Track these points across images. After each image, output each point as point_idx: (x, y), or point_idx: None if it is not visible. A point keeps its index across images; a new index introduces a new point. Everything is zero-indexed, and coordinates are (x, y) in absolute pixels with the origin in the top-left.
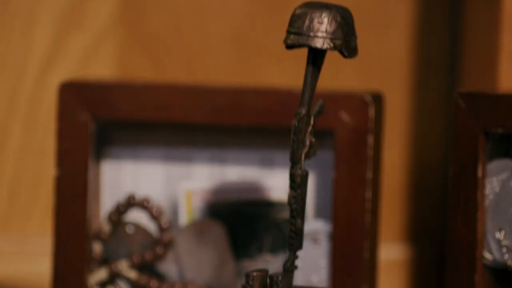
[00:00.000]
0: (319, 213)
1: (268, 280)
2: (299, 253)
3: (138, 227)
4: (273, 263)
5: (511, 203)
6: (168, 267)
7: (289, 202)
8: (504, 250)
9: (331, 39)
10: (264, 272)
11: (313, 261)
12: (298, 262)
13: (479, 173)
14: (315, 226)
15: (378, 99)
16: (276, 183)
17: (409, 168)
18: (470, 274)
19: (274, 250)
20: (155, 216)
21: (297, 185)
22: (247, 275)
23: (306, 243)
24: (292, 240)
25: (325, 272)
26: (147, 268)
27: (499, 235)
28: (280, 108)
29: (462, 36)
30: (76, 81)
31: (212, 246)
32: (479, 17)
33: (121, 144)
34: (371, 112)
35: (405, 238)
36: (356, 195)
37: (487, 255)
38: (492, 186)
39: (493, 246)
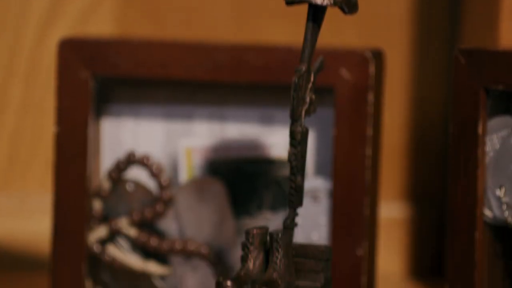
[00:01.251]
0: (319, 171)
1: (268, 238)
2: (299, 210)
3: (138, 185)
4: (273, 221)
5: (511, 160)
6: (168, 225)
7: (289, 159)
8: (505, 207)
9: None
10: (264, 229)
11: (313, 219)
12: (298, 220)
13: (480, 130)
14: (315, 184)
15: (378, 56)
16: (276, 141)
17: (409, 127)
18: (470, 232)
19: (274, 207)
20: (155, 174)
21: (297, 142)
22: (247, 233)
23: (306, 201)
24: (292, 197)
25: (325, 230)
26: (147, 225)
27: (499, 192)
28: (280, 65)
29: None
30: (75, 38)
31: (212, 203)
32: None
33: (121, 102)
34: (372, 69)
35: (405, 197)
36: (356, 152)
37: (487, 212)
38: (492, 143)
39: (493, 203)
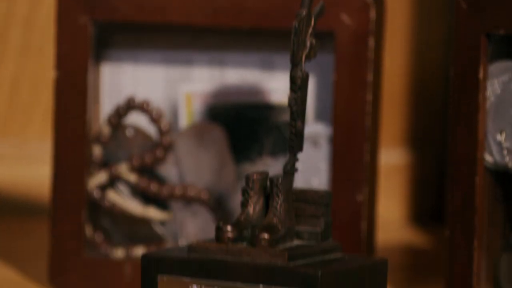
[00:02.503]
0: (320, 116)
1: (268, 183)
2: (300, 155)
3: (138, 130)
4: (273, 166)
5: None
6: (168, 170)
7: (289, 105)
8: (505, 152)
9: None
10: (264, 174)
11: (313, 164)
12: (298, 165)
13: (480, 75)
14: (315, 129)
15: (379, 1)
16: (276, 86)
17: (410, 73)
18: (471, 177)
19: (274, 153)
20: (155, 119)
21: (298, 87)
22: (247, 178)
23: (306, 146)
24: (292, 142)
25: (325, 175)
26: (147, 171)
27: (500, 137)
28: (280, 9)
29: None
30: None
31: (212, 149)
32: None
33: (120, 47)
34: (372, 14)
35: (405, 143)
36: (357, 98)
37: (488, 157)
38: (493, 88)
39: (494, 148)
